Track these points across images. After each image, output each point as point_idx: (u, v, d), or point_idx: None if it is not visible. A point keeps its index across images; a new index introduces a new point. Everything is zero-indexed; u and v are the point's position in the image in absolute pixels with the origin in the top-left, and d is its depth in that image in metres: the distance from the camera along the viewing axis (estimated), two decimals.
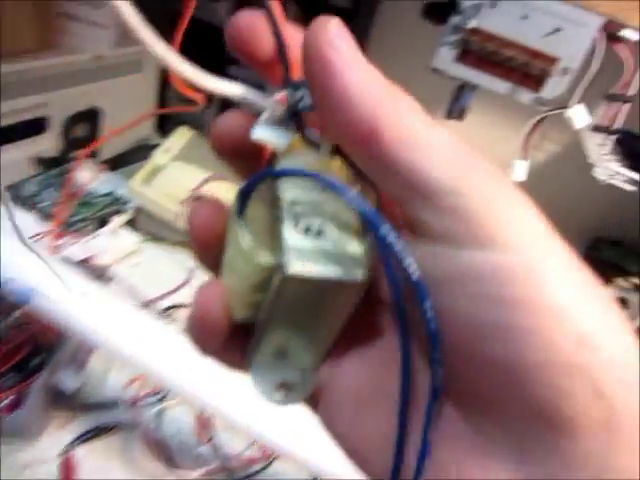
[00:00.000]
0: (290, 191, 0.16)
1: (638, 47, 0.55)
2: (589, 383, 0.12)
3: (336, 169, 0.17)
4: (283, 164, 0.17)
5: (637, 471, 0.13)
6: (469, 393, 0.14)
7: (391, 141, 0.14)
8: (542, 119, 0.62)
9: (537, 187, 0.80)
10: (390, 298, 0.16)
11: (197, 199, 0.23)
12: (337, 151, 0.16)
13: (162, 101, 0.93)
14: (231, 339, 0.18)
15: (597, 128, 0.61)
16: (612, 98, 0.59)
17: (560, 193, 0.84)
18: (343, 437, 0.17)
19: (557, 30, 0.57)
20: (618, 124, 0.61)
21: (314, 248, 0.15)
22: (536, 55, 0.58)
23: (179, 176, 0.72)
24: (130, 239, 0.72)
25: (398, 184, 0.14)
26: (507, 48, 0.60)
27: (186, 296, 0.66)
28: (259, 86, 0.17)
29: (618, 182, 0.62)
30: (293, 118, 0.16)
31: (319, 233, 0.15)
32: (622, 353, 0.13)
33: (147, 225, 0.73)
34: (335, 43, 0.14)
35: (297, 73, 0.16)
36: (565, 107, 0.58)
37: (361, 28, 0.87)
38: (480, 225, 0.13)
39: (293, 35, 0.17)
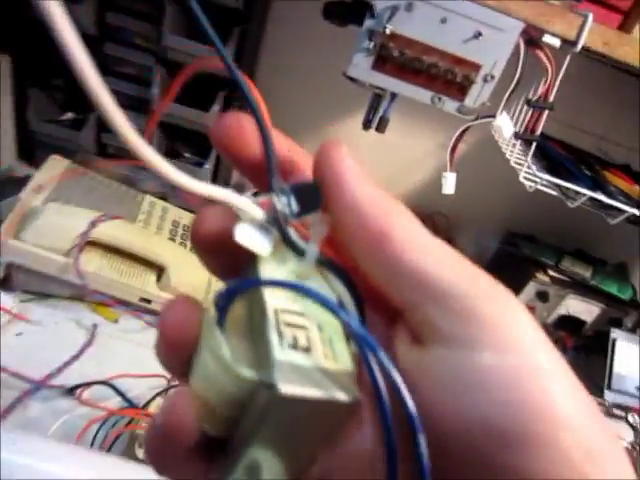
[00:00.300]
0: (274, 298, 0.15)
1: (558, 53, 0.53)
2: None
3: (321, 277, 0.17)
4: (267, 270, 0.16)
5: None
6: None
7: (402, 242, 0.15)
8: (467, 128, 0.59)
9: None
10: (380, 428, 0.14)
11: (171, 299, 0.18)
12: (324, 260, 0.16)
13: (22, 123, 0.77)
14: (195, 454, 0.16)
15: (518, 135, 0.60)
16: (533, 105, 0.57)
17: (473, 189, 0.84)
18: None
19: (478, 35, 0.53)
20: (538, 130, 0.59)
21: (304, 366, 0.14)
22: (458, 62, 0.55)
23: (59, 221, 0.59)
24: (5, 302, 0.58)
25: (408, 286, 0.15)
26: (427, 54, 0.55)
27: (90, 364, 0.55)
28: None
29: (543, 188, 0.61)
30: (277, 224, 0.16)
31: (307, 348, 0.14)
32: (624, 470, 0.13)
33: (26, 282, 0.60)
34: (347, 160, 0.16)
35: (283, 178, 0.16)
36: (492, 116, 0.55)
37: (255, 29, 0.79)
38: (493, 329, 0.14)
39: (280, 140, 0.17)
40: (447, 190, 0.60)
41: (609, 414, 0.75)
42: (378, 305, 0.17)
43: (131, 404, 0.46)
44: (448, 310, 0.14)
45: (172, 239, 0.74)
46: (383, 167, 0.98)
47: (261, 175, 0.17)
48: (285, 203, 0.16)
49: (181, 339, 0.16)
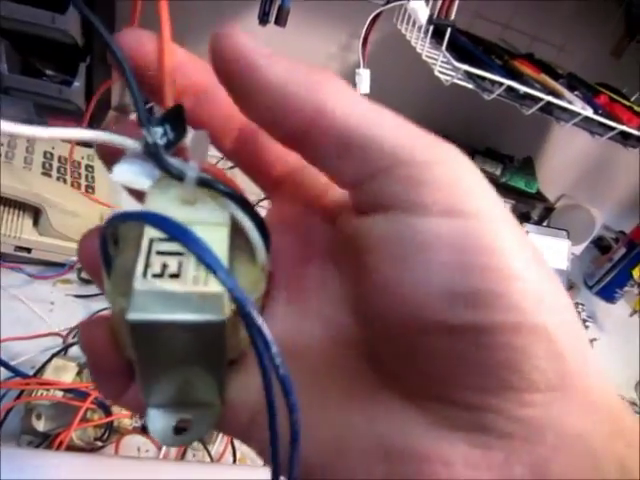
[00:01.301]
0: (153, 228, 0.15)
1: None
2: (547, 344, 0.13)
3: (210, 199, 0.16)
4: (152, 199, 0.16)
5: (591, 434, 0.13)
6: (421, 379, 0.14)
7: (342, 114, 0.14)
8: (378, 15, 0.52)
9: (354, 86, 0.74)
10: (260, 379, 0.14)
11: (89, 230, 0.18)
12: (207, 180, 0.16)
13: None
14: (128, 374, 0.17)
15: (433, 20, 0.54)
16: None
17: (381, 92, 0.79)
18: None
19: None
20: (452, 15, 0.54)
21: (166, 291, 0.14)
22: None
23: None
24: None
25: (354, 161, 0.14)
26: None
27: None
28: None
29: (459, 81, 0.57)
30: (152, 156, 0.15)
31: (176, 275, 0.14)
32: (569, 315, 0.14)
33: None
34: (248, 40, 0.14)
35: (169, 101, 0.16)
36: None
37: None
38: (440, 192, 0.13)
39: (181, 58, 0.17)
40: (362, 89, 0.54)
41: None
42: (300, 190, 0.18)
43: (17, 373, 0.38)
44: (394, 180, 0.14)
45: (46, 174, 0.62)
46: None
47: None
48: (161, 133, 0.15)
49: (95, 267, 0.16)
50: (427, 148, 0.14)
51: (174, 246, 0.15)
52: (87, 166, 0.68)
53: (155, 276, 0.14)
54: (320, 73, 0.14)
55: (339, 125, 0.14)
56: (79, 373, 0.43)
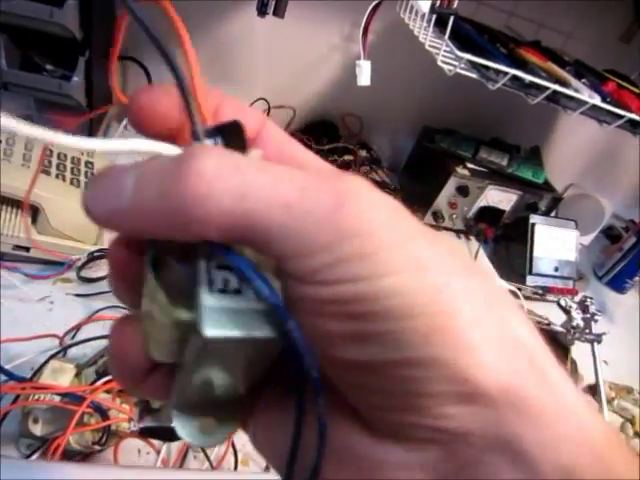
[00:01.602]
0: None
1: None
2: (444, 369, 0.13)
3: None
4: None
5: (521, 441, 0.14)
6: (355, 402, 0.16)
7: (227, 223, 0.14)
8: (379, 4, 0.50)
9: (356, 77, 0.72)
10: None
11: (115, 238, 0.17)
12: None
13: None
14: (153, 373, 0.18)
15: (435, 9, 0.53)
16: None
17: (385, 84, 0.77)
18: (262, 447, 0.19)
19: None
20: (455, 3, 0.53)
21: (231, 308, 0.15)
22: None
23: None
24: None
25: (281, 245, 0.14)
26: None
27: None
28: None
29: (463, 71, 0.55)
30: None
31: (238, 290, 0.15)
32: (486, 334, 0.14)
33: None
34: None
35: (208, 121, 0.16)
36: None
37: None
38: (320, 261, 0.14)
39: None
40: (363, 81, 0.52)
41: (532, 298, 0.78)
42: None
43: (12, 377, 0.38)
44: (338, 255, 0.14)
45: (45, 171, 0.62)
46: (284, 68, 0.88)
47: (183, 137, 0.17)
48: (212, 144, 0.16)
49: (128, 278, 0.17)
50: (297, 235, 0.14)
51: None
52: (87, 162, 0.68)
53: (220, 291, 0.15)
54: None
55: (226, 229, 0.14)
56: (77, 375, 0.42)
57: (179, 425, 0.18)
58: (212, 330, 0.14)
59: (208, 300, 0.15)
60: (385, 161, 0.98)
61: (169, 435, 0.39)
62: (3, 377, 0.39)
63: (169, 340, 0.16)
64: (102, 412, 0.37)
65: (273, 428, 0.18)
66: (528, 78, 0.54)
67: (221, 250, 0.15)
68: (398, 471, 0.15)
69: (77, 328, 0.50)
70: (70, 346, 0.45)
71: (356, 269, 0.14)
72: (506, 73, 0.54)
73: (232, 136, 0.16)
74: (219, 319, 0.15)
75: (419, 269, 0.14)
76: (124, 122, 0.82)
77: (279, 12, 0.51)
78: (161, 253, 0.16)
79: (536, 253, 0.77)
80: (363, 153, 0.95)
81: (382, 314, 0.14)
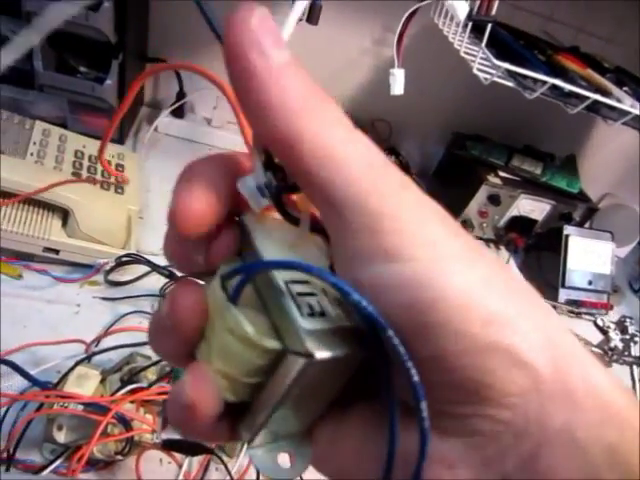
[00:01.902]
0: (280, 271, 0.16)
1: None
2: (506, 357, 0.14)
3: (317, 244, 0.18)
4: (264, 243, 0.17)
5: (575, 425, 0.14)
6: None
7: (309, 156, 0.15)
8: (415, 11, 0.49)
9: (387, 83, 0.71)
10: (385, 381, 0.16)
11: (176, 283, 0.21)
12: (315, 227, 0.17)
13: None
14: (219, 419, 0.18)
15: (472, 16, 0.51)
16: None
17: (415, 89, 0.76)
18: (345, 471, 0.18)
19: None
20: (493, 10, 0.51)
21: (325, 329, 0.15)
22: None
23: None
24: None
25: (317, 198, 0.15)
26: None
27: None
28: None
29: (499, 79, 0.54)
30: (271, 195, 0.17)
31: (322, 313, 0.16)
32: (531, 320, 0.14)
33: None
34: (257, 42, 0.14)
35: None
36: None
37: None
38: (387, 241, 0.14)
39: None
40: (396, 90, 0.51)
41: (567, 315, 0.75)
42: None
43: (36, 383, 0.38)
44: (348, 225, 0.15)
45: (77, 174, 0.62)
46: (314, 72, 0.86)
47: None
48: (280, 177, 0.16)
49: (193, 324, 0.17)
50: (382, 198, 0.15)
51: (306, 287, 0.16)
52: (117, 165, 0.68)
53: (310, 315, 0.16)
54: (317, 99, 0.15)
55: (307, 159, 0.15)
56: (102, 381, 0.42)
57: (258, 460, 0.18)
58: (319, 352, 0.15)
59: (305, 324, 0.15)
60: (414, 167, 0.96)
61: (192, 449, 0.39)
62: (28, 382, 0.40)
63: (249, 375, 0.17)
64: (125, 422, 0.37)
65: (338, 442, 0.18)
66: (568, 87, 0.52)
67: (310, 270, 0.15)
68: (459, 469, 0.15)
69: (103, 335, 0.50)
70: (96, 354, 0.45)
71: (414, 246, 0.14)
72: (545, 82, 0.52)
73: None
74: (319, 341, 0.15)
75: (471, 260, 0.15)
76: (154, 124, 0.82)
77: (313, 19, 0.50)
78: (242, 282, 0.16)
79: (570, 265, 0.75)
80: (392, 159, 0.94)
81: (440, 303, 0.14)
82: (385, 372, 0.15)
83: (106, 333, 0.50)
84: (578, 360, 0.15)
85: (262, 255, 0.17)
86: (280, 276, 0.16)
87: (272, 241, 0.17)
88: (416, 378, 0.14)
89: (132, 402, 0.39)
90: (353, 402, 0.18)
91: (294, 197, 0.17)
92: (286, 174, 0.17)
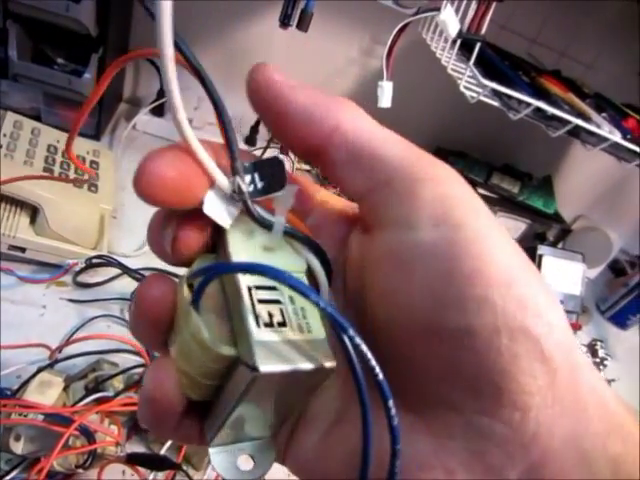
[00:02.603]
0: (246, 276, 0.16)
1: None
2: (534, 347, 0.13)
3: (295, 249, 0.17)
4: (236, 246, 0.17)
5: (582, 435, 0.14)
6: (420, 385, 0.15)
7: (354, 132, 0.16)
8: (406, 25, 0.49)
9: (374, 94, 0.71)
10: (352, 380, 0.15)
11: (145, 278, 0.17)
12: (289, 231, 0.17)
13: None
14: (185, 415, 0.17)
15: (462, 34, 0.51)
16: None
17: (399, 102, 0.76)
18: (310, 470, 0.18)
19: None
20: (483, 28, 0.51)
21: (280, 341, 0.15)
22: None
23: None
24: None
25: (362, 172, 0.16)
26: None
27: None
28: None
29: (485, 99, 0.54)
30: (243, 201, 0.16)
31: (282, 323, 0.15)
32: (558, 318, 0.14)
33: None
34: (277, 74, 0.17)
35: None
36: (436, 9, 0.46)
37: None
38: (431, 207, 0.15)
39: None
40: (384, 103, 0.51)
41: None
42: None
43: None
44: (392, 194, 0.15)
45: (48, 169, 0.60)
46: (300, 79, 0.86)
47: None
48: (249, 181, 0.16)
49: (159, 316, 0.17)
50: (424, 167, 0.15)
51: (272, 294, 0.16)
52: (92, 162, 0.66)
53: (267, 325, 0.15)
54: (337, 99, 0.17)
55: (351, 141, 0.16)
56: (65, 388, 0.40)
57: (216, 461, 0.18)
58: (265, 366, 0.14)
59: (258, 335, 0.15)
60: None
61: (157, 464, 0.37)
62: None
63: (208, 377, 0.16)
64: (89, 435, 0.35)
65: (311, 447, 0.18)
66: (551, 111, 0.52)
67: (269, 272, 0.14)
68: (459, 476, 0.14)
69: (68, 342, 0.48)
70: (60, 360, 0.43)
71: (463, 211, 0.14)
72: (529, 104, 0.53)
73: (271, 172, 0.16)
74: (270, 354, 0.15)
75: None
76: (133, 121, 0.80)
77: (303, 26, 0.49)
78: (202, 285, 0.16)
79: None
80: None
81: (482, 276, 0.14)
82: (356, 379, 0.14)
83: (71, 340, 0.47)
84: (587, 368, 0.15)
85: (231, 256, 0.16)
86: (245, 280, 0.16)
87: (246, 242, 0.17)
88: (381, 376, 0.14)
89: (97, 413, 0.37)
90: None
91: (267, 200, 0.17)
92: (262, 174, 0.16)
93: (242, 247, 0.17)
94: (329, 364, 0.15)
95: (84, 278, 0.56)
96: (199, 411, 0.18)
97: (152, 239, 0.18)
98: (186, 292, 0.16)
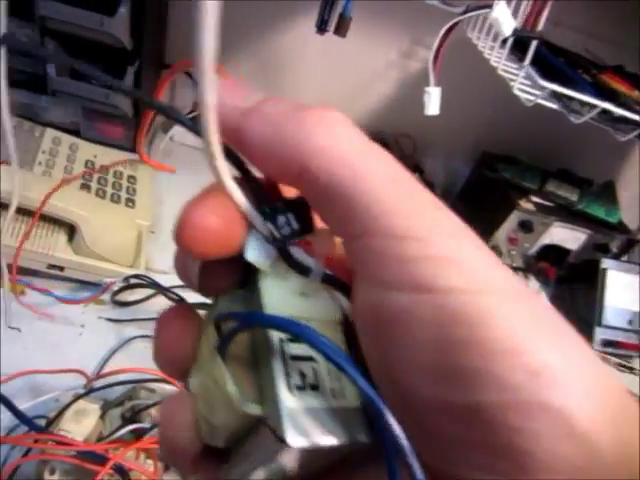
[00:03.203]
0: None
1: None
2: (557, 422, 0.11)
3: (331, 293, 0.16)
4: (270, 292, 0.16)
5: None
6: (437, 459, 0.13)
7: (325, 171, 0.13)
8: (455, 25, 0.45)
9: (418, 100, 0.67)
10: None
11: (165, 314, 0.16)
12: (327, 276, 0.16)
13: None
14: (202, 456, 0.16)
15: (517, 32, 0.47)
16: None
17: (443, 104, 0.72)
18: None
19: None
20: (540, 25, 0.47)
21: (312, 408, 0.14)
22: None
23: None
24: None
25: (336, 221, 0.14)
26: None
27: None
28: None
29: (543, 101, 0.50)
30: (278, 247, 0.15)
31: (315, 386, 0.14)
32: (587, 384, 0.12)
33: None
34: (228, 95, 0.14)
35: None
36: (489, 7, 0.42)
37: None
38: (418, 269, 0.13)
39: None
40: (431, 110, 0.47)
41: (604, 359, 0.70)
42: None
43: (26, 422, 0.34)
44: (367, 250, 0.13)
45: (86, 185, 0.59)
46: (337, 84, 0.83)
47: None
48: (284, 222, 0.15)
49: (178, 354, 0.16)
50: (408, 218, 0.13)
51: (305, 349, 0.14)
52: (129, 177, 0.65)
53: (299, 389, 0.14)
54: (307, 119, 0.14)
55: (322, 186, 0.13)
56: (102, 416, 0.39)
57: None
58: (295, 438, 0.13)
59: (288, 401, 0.14)
60: (438, 186, 0.92)
61: None
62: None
63: (228, 429, 0.15)
64: (123, 473, 0.33)
65: None
66: (620, 112, 0.48)
67: (305, 335, 0.13)
68: None
69: (103, 373, 0.46)
70: (96, 390, 0.42)
71: (451, 276, 0.12)
72: (594, 105, 0.48)
73: (302, 213, 0.15)
74: (300, 423, 0.14)
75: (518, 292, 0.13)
76: (170, 133, 0.79)
77: (341, 31, 0.47)
78: (231, 333, 0.15)
79: (607, 302, 0.70)
80: (415, 176, 0.90)
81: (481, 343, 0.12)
82: (389, 462, 0.12)
83: (107, 372, 0.46)
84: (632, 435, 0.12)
85: (263, 302, 0.15)
86: (277, 332, 0.15)
87: (280, 286, 0.16)
88: (420, 477, 0.12)
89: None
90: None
91: (308, 238, 0.16)
92: (297, 214, 0.15)
93: (276, 293, 0.16)
94: (362, 439, 0.14)
95: (122, 296, 0.54)
96: (217, 454, 0.17)
97: (178, 268, 0.17)
98: (213, 334, 0.15)
